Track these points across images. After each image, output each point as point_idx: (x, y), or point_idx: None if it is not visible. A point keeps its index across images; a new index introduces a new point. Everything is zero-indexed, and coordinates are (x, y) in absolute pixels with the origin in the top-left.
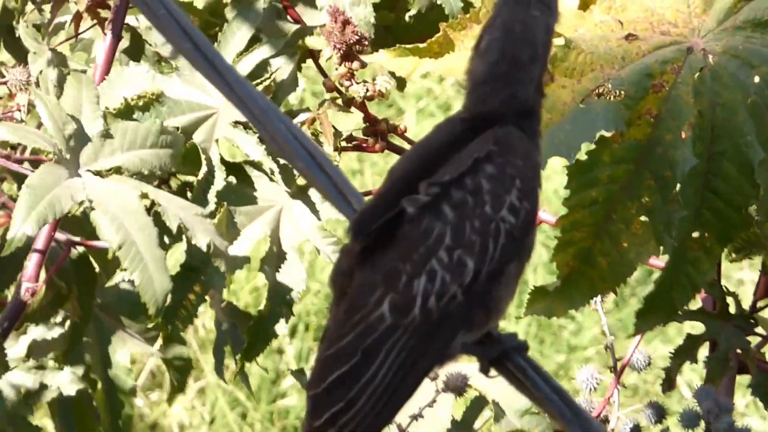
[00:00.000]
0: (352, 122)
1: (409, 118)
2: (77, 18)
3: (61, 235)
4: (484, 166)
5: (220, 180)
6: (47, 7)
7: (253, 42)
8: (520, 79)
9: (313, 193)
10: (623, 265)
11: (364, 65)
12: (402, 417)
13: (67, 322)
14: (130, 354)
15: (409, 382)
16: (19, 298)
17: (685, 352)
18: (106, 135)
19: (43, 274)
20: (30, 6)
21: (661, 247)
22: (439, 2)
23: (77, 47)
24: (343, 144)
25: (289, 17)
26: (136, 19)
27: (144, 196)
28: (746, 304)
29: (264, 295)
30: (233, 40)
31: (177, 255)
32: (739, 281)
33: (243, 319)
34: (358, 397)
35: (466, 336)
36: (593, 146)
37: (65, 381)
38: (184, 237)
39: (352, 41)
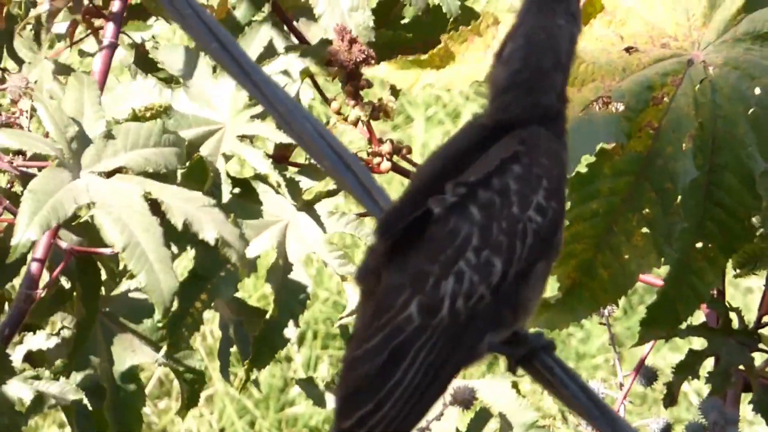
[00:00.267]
0: (357, 135)
1: (417, 125)
2: (72, 27)
3: (63, 243)
4: (511, 166)
5: (226, 193)
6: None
7: (259, 61)
8: (542, 87)
9: (320, 207)
10: (625, 276)
11: (370, 85)
12: None
13: (65, 331)
14: (139, 363)
15: (437, 383)
16: (20, 305)
17: (687, 368)
18: (109, 136)
19: (45, 277)
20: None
21: (662, 259)
22: (437, 1)
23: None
24: None
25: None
26: (141, 38)
27: (148, 195)
28: (754, 314)
29: (272, 301)
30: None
31: (185, 263)
32: (747, 289)
33: (252, 315)
34: (387, 399)
35: (493, 336)
36: (593, 158)
37: (62, 391)
38: (189, 247)
39: (359, 60)
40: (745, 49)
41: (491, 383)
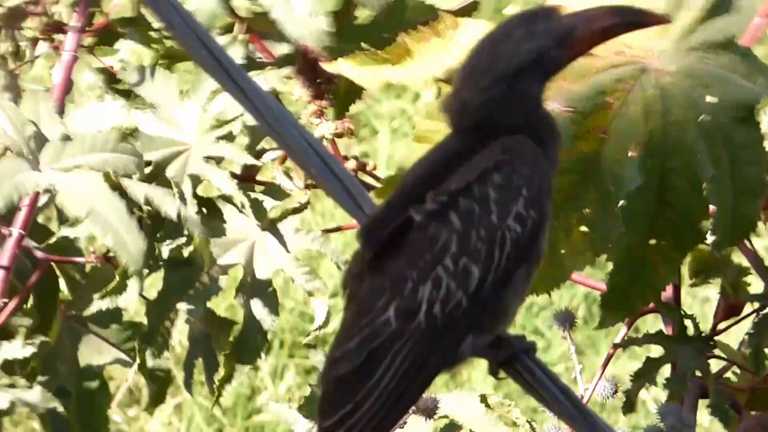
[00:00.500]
0: None
1: (383, 138)
2: (33, 42)
3: (39, 253)
4: (492, 176)
5: (192, 212)
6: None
7: None
8: (489, 86)
9: (285, 224)
10: (560, 270)
11: (334, 104)
12: None
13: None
14: (109, 371)
15: (415, 386)
16: None
17: (645, 375)
18: (65, 138)
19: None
20: None
21: (597, 258)
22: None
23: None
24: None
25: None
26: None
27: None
28: (711, 323)
29: (239, 312)
30: (207, 81)
31: (157, 284)
32: (704, 299)
33: (221, 326)
34: (365, 400)
35: (476, 340)
36: None
37: (36, 398)
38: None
39: (322, 79)
40: (699, 57)
41: (459, 397)
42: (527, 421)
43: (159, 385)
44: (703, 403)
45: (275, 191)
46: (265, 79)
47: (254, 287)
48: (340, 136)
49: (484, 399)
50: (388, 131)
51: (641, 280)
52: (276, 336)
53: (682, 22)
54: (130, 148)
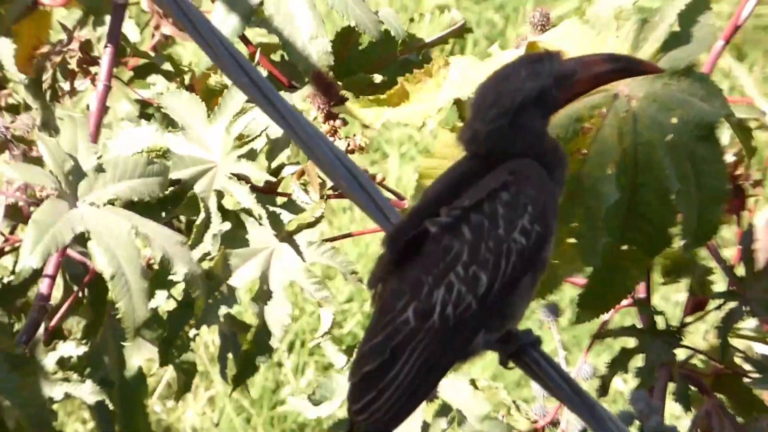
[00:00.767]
0: None
1: (392, 161)
2: (72, 75)
3: (87, 260)
4: (500, 194)
5: (216, 225)
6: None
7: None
8: (495, 118)
9: (300, 237)
10: (554, 277)
11: (345, 123)
12: None
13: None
14: (150, 367)
15: (431, 377)
16: (35, 315)
17: (619, 363)
18: (99, 169)
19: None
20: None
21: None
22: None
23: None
24: (329, 192)
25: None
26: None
27: (135, 227)
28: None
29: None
30: (231, 103)
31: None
32: (676, 303)
33: (242, 328)
34: (387, 388)
35: (487, 335)
36: None
37: (87, 392)
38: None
39: (334, 102)
40: (663, 84)
41: (453, 381)
42: (513, 401)
43: (186, 376)
44: (671, 391)
45: (292, 205)
46: (289, 98)
47: (269, 294)
48: (351, 152)
49: (473, 382)
50: (397, 155)
51: (615, 281)
52: (297, 337)
53: (647, 52)
54: (156, 169)
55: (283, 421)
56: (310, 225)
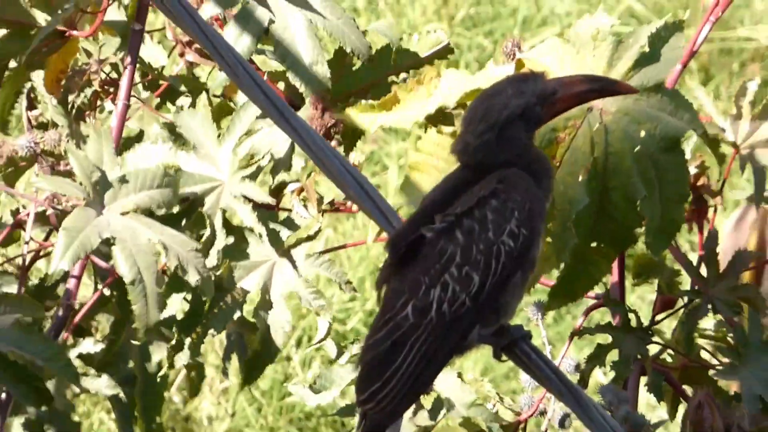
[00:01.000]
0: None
1: (392, 172)
2: (94, 96)
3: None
4: (490, 201)
5: (221, 240)
6: None
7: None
8: (483, 132)
9: (298, 251)
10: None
11: (340, 144)
12: None
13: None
14: (163, 356)
15: (430, 369)
16: (62, 313)
17: (596, 358)
18: (123, 180)
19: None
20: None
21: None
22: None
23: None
24: (327, 207)
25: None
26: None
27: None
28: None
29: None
30: (239, 125)
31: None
32: (651, 302)
33: (249, 328)
34: (390, 380)
35: (482, 330)
36: None
37: (103, 386)
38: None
39: (330, 124)
40: (634, 99)
41: (442, 375)
42: (497, 393)
43: (196, 373)
44: (644, 381)
45: (292, 223)
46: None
47: (271, 304)
48: None
49: (460, 375)
50: (396, 167)
51: (584, 273)
52: (305, 333)
53: (619, 70)
54: (169, 180)
55: (291, 411)
56: (308, 239)
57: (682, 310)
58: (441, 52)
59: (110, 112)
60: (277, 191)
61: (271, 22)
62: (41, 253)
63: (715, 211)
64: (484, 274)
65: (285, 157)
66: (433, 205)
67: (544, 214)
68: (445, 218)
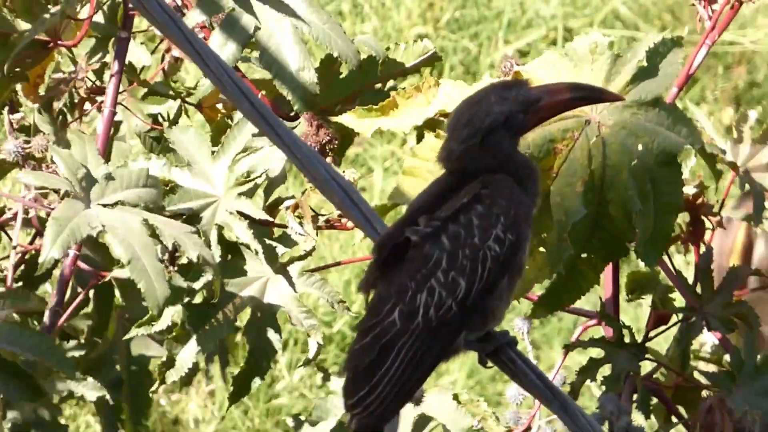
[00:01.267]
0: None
1: (377, 175)
2: (80, 104)
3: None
4: (475, 206)
5: (216, 257)
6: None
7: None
8: (466, 139)
9: (292, 268)
10: (526, 282)
11: (337, 163)
12: None
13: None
14: (151, 357)
15: (418, 373)
16: (51, 319)
17: (588, 372)
18: (109, 177)
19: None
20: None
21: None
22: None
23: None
24: (323, 224)
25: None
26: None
27: (145, 221)
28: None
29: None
30: (234, 144)
31: None
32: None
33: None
34: (378, 384)
35: (469, 335)
36: None
37: (88, 389)
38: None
39: (324, 141)
40: (632, 113)
41: (437, 395)
42: (492, 412)
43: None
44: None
45: (286, 239)
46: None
47: (263, 320)
48: None
49: (456, 397)
50: (381, 170)
51: (572, 283)
52: (291, 336)
53: (617, 84)
54: (154, 181)
55: (278, 413)
56: (302, 257)
57: (676, 327)
58: (428, 60)
59: (96, 117)
60: (272, 207)
61: (257, 29)
62: (26, 257)
63: (713, 230)
64: (471, 280)
65: (279, 175)
66: (420, 209)
67: (531, 219)
68: (431, 222)
